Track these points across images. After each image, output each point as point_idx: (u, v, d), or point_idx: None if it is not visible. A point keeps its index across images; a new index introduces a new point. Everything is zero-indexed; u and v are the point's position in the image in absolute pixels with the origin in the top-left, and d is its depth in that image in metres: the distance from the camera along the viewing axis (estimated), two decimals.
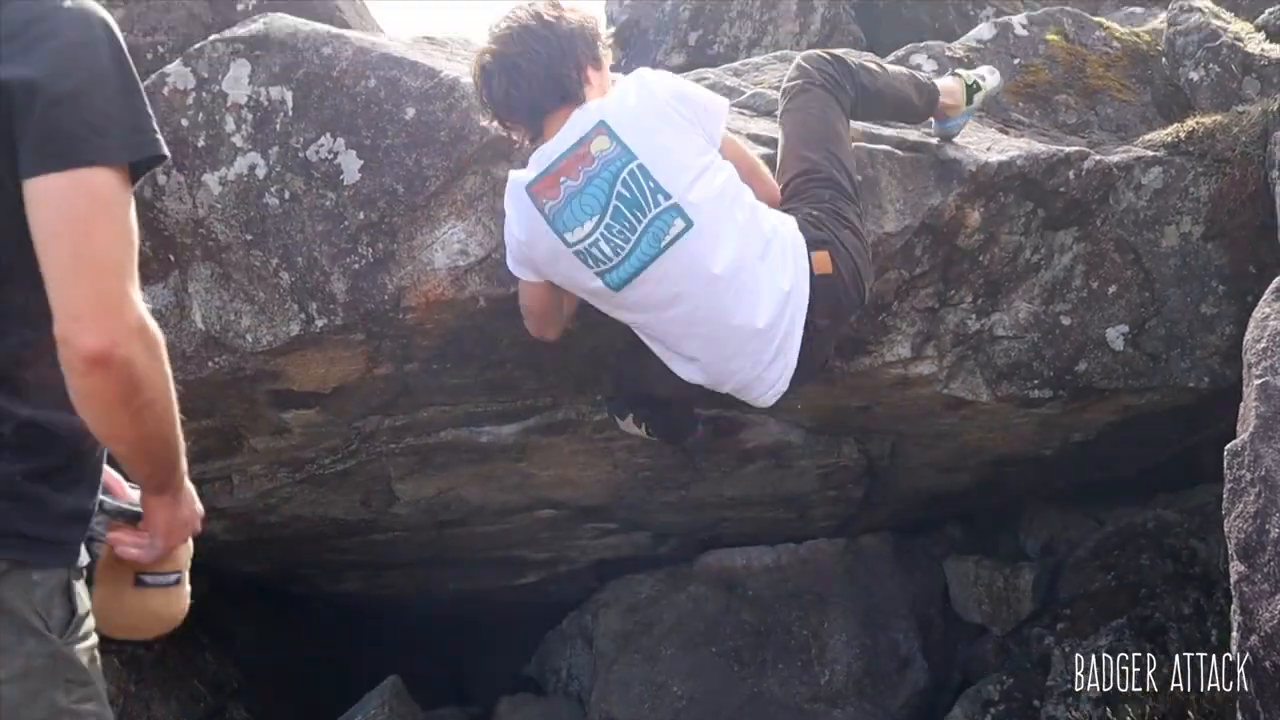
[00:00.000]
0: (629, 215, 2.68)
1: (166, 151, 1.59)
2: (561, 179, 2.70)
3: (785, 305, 2.77)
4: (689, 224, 2.68)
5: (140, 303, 1.52)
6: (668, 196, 2.67)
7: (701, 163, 2.73)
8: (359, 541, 4.62)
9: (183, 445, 1.67)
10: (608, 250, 2.70)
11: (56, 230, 1.48)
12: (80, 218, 1.48)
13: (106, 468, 1.74)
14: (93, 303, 1.47)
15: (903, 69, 3.55)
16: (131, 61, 1.58)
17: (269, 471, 3.92)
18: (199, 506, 1.83)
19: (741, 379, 2.87)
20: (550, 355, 3.45)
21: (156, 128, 1.58)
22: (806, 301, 2.80)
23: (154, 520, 1.75)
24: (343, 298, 3.07)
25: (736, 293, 2.74)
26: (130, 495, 1.81)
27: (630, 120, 2.69)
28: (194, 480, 1.82)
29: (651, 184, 2.67)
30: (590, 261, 2.72)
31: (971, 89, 3.49)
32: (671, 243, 2.69)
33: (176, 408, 1.61)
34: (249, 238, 3.06)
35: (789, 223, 2.83)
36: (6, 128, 1.47)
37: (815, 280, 2.79)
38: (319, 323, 3.10)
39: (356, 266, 3.06)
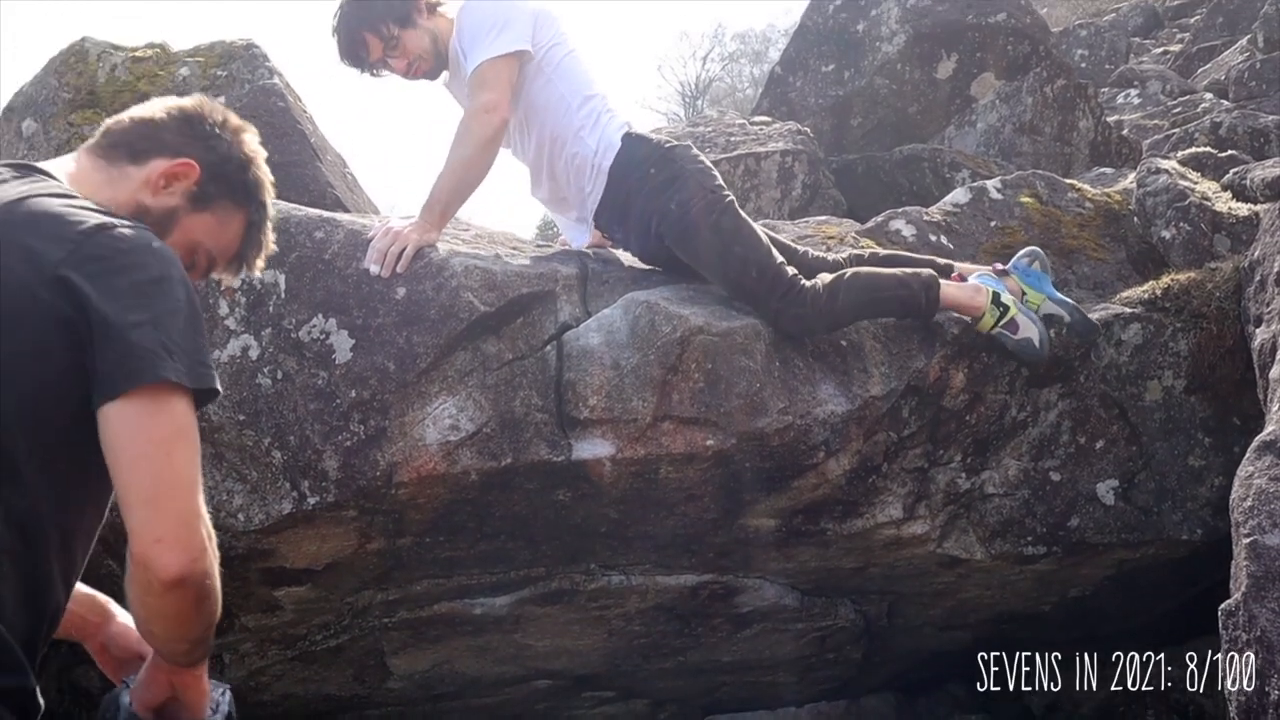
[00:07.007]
0: None
1: (220, 388, 1.67)
2: None
3: None
4: None
5: (206, 513, 1.60)
6: None
7: None
8: (353, 718, 4.53)
9: None
10: None
11: (138, 450, 1.54)
12: (163, 439, 1.55)
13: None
14: (175, 525, 1.54)
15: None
16: (198, 303, 1.67)
17: (260, 649, 3.87)
18: None
19: None
20: (542, 526, 3.46)
21: (212, 364, 1.66)
22: None
23: (190, 695, 1.80)
24: (335, 475, 3.09)
25: None
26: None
27: None
28: None
29: None
30: None
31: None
32: None
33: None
34: (241, 418, 3.09)
35: None
36: (80, 342, 1.54)
37: None
38: (311, 500, 3.11)
39: (348, 444, 3.08)
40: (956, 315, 3.61)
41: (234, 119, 1.93)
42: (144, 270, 1.60)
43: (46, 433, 1.55)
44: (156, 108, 1.89)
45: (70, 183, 1.76)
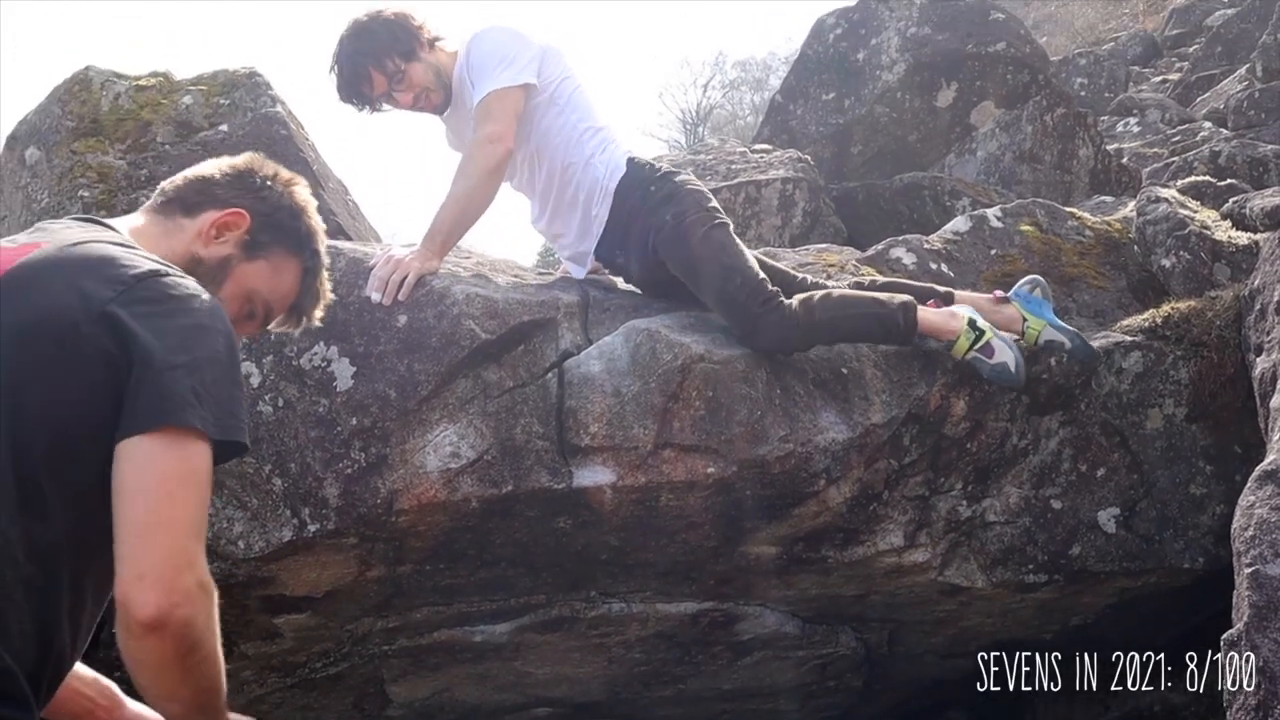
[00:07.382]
0: None
1: (249, 443, 1.66)
2: None
3: None
4: None
5: (204, 563, 1.54)
6: None
7: None
8: None
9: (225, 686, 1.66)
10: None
11: (142, 486, 1.52)
12: (167, 478, 1.52)
13: None
14: (159, 562, 1.49)
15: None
16: (238, 357, 1.69)
17: (259, 677, 3.85)
18: None
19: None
20: (543, 553, 3.45)
21: (246, 419, 1.65)
22: None
23: None
24: (335, 502, 3.09)
25: None
26: None
27: None
28: None
29: None
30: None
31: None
32: None
33: (222, 654, 1.61)
34: None
35: None
36: (119, 379, 1.55)
37: None
38: (311, 528, 3.11)
39: (349, 471, 3.09)
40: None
41: (285, 173, 1.98)
42: (189, 316, 1.62)
43: (78, 469, 1.55)
44: (210, 166, 1.95)
45: (131, 236, 1.80)
